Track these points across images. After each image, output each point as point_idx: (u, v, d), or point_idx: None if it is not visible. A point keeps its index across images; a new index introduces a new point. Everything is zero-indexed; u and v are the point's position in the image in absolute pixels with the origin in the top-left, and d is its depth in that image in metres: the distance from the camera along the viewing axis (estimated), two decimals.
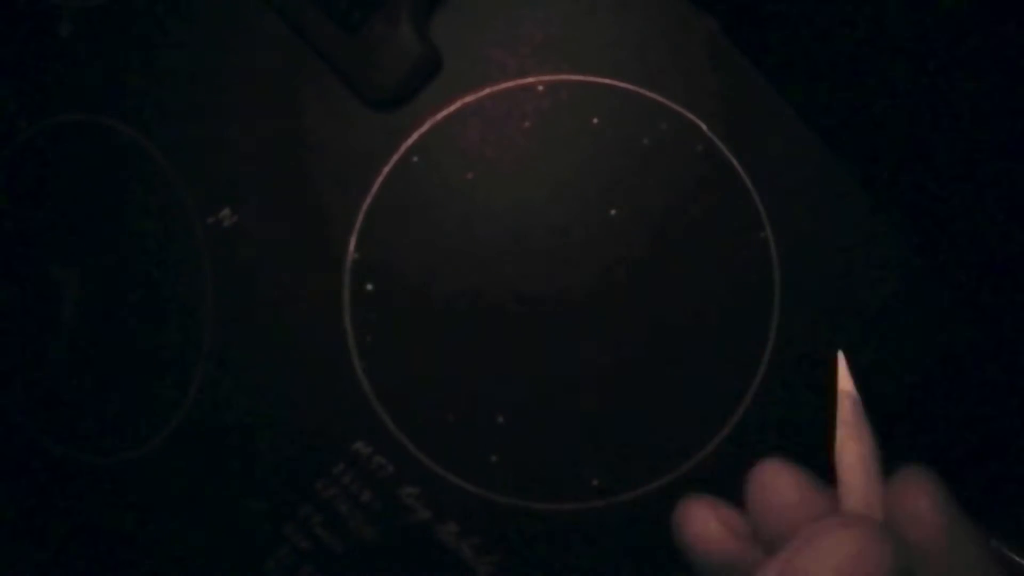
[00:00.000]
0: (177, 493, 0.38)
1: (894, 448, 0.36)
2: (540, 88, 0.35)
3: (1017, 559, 0.33)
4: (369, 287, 0.36)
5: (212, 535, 0.37)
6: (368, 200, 0.36)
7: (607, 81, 0.35)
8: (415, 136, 0.36)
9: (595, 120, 0.35)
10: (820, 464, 0.34)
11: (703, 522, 0.24)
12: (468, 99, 0.36)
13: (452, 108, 0.36)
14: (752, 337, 0.34)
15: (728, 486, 0.35)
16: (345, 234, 0.36)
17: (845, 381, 0.23)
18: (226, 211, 0.37)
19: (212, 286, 0.37)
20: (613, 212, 0.35)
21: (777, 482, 0.23)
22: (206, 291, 0.37)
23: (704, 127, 0.35)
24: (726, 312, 0.34)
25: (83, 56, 0.39)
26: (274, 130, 0.37)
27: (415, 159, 0.36)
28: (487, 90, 0.36)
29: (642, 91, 0.35)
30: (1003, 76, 0.35)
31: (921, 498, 0.20)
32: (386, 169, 0.36)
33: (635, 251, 0.35)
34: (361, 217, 0.36)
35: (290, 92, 0.37)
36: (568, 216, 0.35)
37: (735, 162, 0.35)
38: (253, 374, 0.37)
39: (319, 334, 0.36)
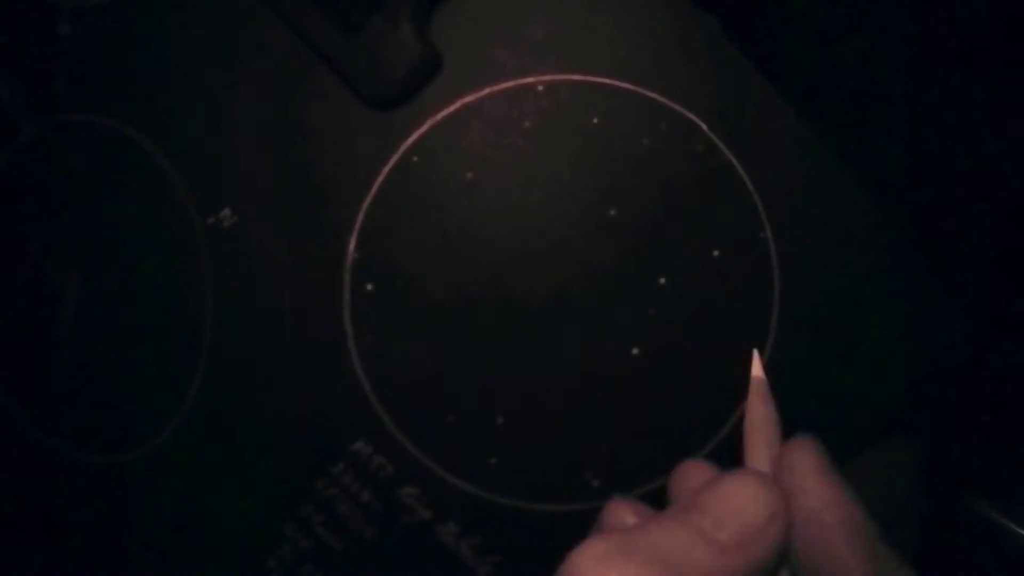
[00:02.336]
0: (177, 493, 0.38)
1: (894, 448, 0.36)
2: (540, 88, 0.35)
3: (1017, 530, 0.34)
4: (369, 287, 0.36)
5: (212, 535, 0.37)
6: (368, 200, 0.36)
7: (607, 81, 0.35)
8: (415, 136, 0.36)
9: (595, 120, 0.35)
10: None
11: (620, 514, 0.27)
12: (468, 99, 0.36)
13: (452, 108, 0.36)
14: (752, 337, 0.34)
15: None
16: (345, 234, 0.36)
17: (757, 368, 0.28)
18: (226, 211, 0.37)
19: (212, 286, 0.37)
20: (613, 212, 0.35)
21: (693, 469, 0.27)
22: (206, 291, 0.37)
23: (704, 127, 0.35)
24: (726, 312, 0.34)
25: (83, 56, 0.39)
26: (274, 130, 0.37)
27: (415, 159, 0.36)
28: (487, 90, 0.36)
29: (642, 91, 0.35)
30: (1003, 76, 0.35)
31: (806, 459, 0.24)
32: (386, 169, 0.36)
33: (635, 251, 0.35)
34: (361, 217, 0.36)
35: (290, 92, 0.37)
36: (568, 216, 0.35)
37: (735, 162, 0.35)
38: (253, 374, 0.37)
39: (319, 334, 0.36)
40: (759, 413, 0.27)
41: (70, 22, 0.39)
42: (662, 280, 0.35)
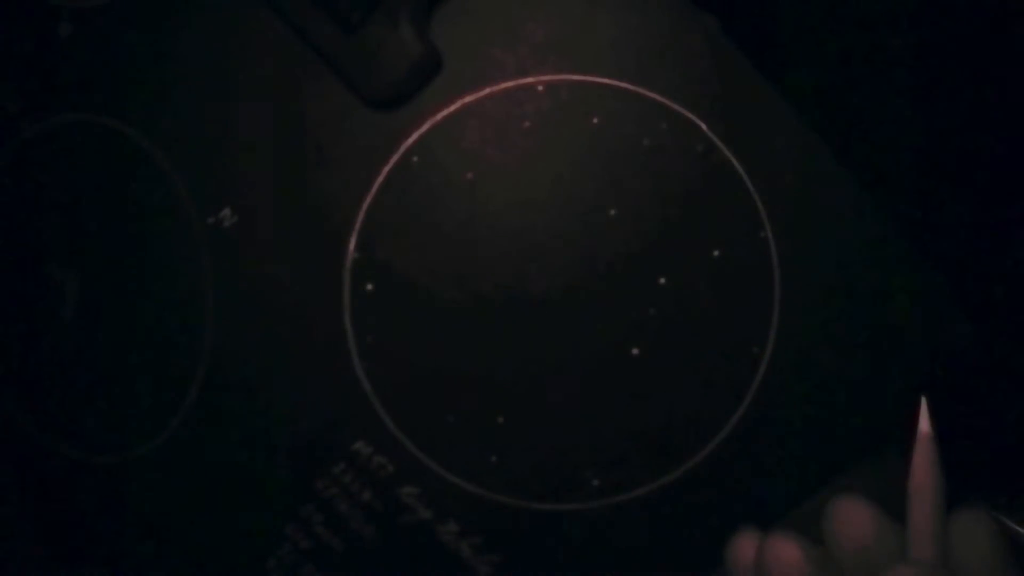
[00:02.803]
0: (177, 493, 0.38)
1: (894, 449, 0.36)
2: (540, 88, 0.35)
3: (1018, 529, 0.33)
4: (369, 287, 0.36)
5: (212, 535, 0.37)
6: (368, 200, 0.36)
7: (607, 81, 0.35)
8: (415, 136, 0.36)
9: (595, 120, 0.35)
10: (820, 462, 0.34)
11: (789, 554, 0.25)
12: (468, 99, 0.36)
13: (452, 108, 0.36)
14: (752, 337, 0.34)
15: (728, 486, 0.35)
16: (345, 234, 0.36)
17: (925, 424, 0.25)
18: (226, 211, 0.37)
19: (212, 286, 0.37)
20: (613, 212, 0.35)
21: (855, 517, 0.25)
22: (206, 291, 0.37)
23: (704, 127, 0.35)
24: (726, 312, 0.34)
25: (83, 56, 0.39)
26: (274, 130, 0.37)
27: (415, 159, 0.36)
28: (487, 90, 0.36)
29: (642, 91, 0.35)
30: (1004, 77, 0.35)
31: (980, 540, 0.22)
32: (386, 169, 0.36)
33: (635, 251, 0.35)
34: (361, 217, 0.36)
35: (290, 92, 0.37)
36: (568, 216, 0.35)
37: (735, 162, 0.35)
38: (253, 374, 0.37)
39: (319, 334, 0.36)
40: (926, 478, 0.24)
41: (70, 22, 0.39)
42: (662, 280, 0.35)
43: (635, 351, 0.35)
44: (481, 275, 0.35)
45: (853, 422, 0.34)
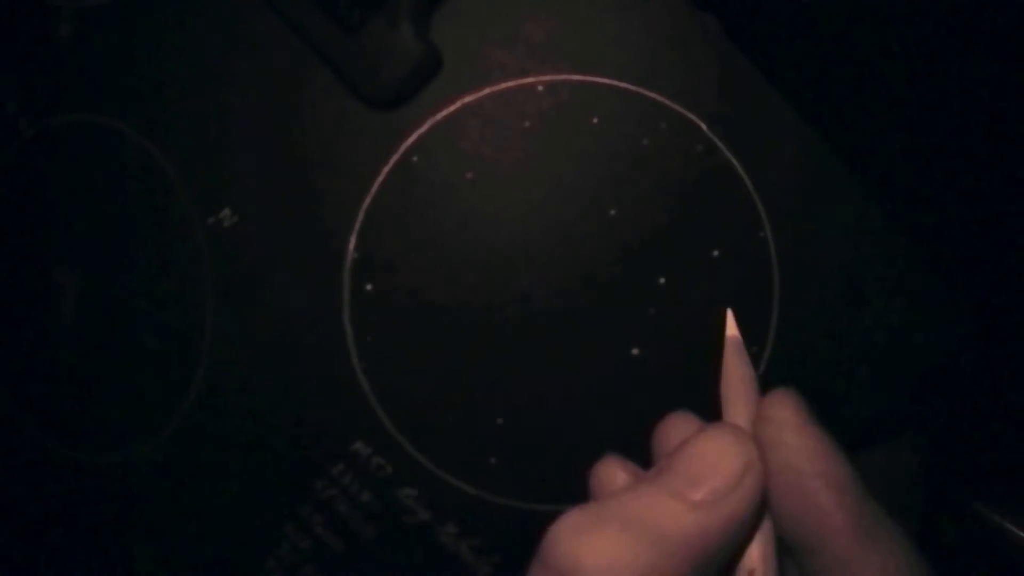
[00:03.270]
0: (177, 492, 0.38)
1: (894, 448, 0.36)
2: (540, 88, 0.35)
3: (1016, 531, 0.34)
4: (369, 287, 0.36)
5: (212, 535, 0.37)
6: (368, 200, 0.36)
7: (607, 81, 0.35)
8: (415, 136, 0.36)
9: (595, 120, 0.35)
10: None
11: (611, 472, 0.27)
12: (468, 99, 0.36)
13: (452, 108, 0.36)
14: (752, 337, 0.34)
15: None
16: (345, 234, 0.36)
17: (732, 327, 0.28)
18: (226, 211, 0.37)
19: (212, 286, 0.37)
20: (613, 212, 0.35)
21: (676, 423, 0.27)
22: (206, 291, 0.37)
23: (704, 127, 0.35)
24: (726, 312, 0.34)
25: (83, 56, 0.39)
26: (274, 130, 0.37)
27: (415, 159, 0.36)
28: (487, 90, 0.36)
29: (642, 91, 0.35)
30: (1004, 77, 0.35)
31: (784, 411, 0.23)
32: (386, 169, 0.36)
33: (635, 251, 0.35)
34: (361, 217, 0.36)
35: (290, 92, 0.37)
36: (568, 216, 0.35)
37: (735, 162, 0.35)
38: (253, 374, 0.37)
39: (319, 334, 0.36)
40: (736, 371, 0.26)
41: (70, 22, 0.39)
42: (662, 280, 0.35)
43: (635, 351, 0.35)
44: (481, 275, 0.35)
45: (853, 421, 0.34)
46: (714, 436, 0.23)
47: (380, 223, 0.36)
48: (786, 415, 0.23)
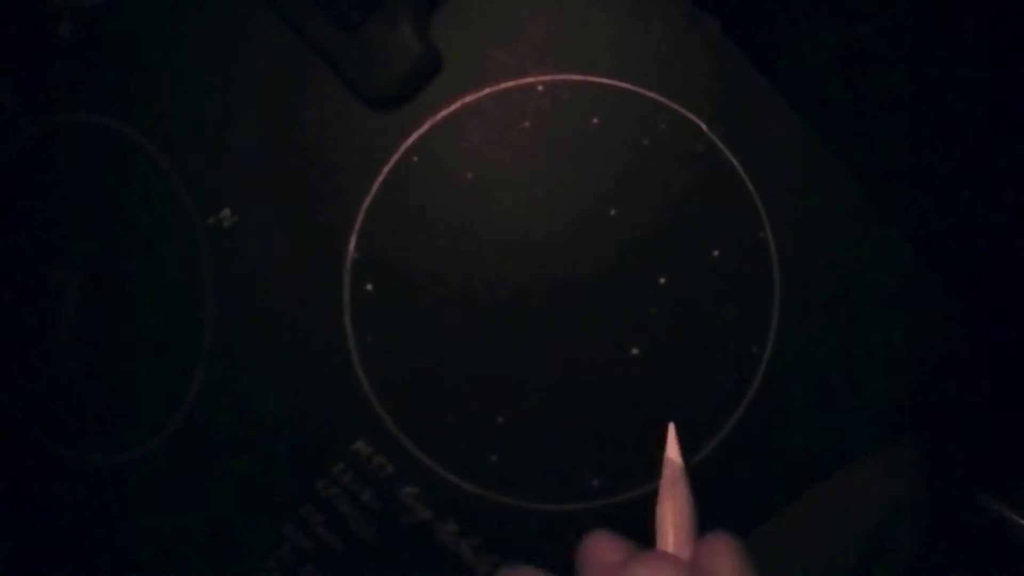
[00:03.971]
0: (177, 493, 0.38)
1: (894, 446, 0.36)
2: (540, 88, 0.35)
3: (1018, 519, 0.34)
4: (369, 287, 0.36)
5: (212, 535, 0.37)
6: (368, 200, 0.36)
7: (607, 81, 0.35)
8: (415, 136, 0.36)
9: (595, 120, 0.35)
10: (819, 461, 0.34)
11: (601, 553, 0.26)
12: (468, 99, 0.36)
13: (452, 108, 0.36)
14: (752, 337, 0.34)
15: (727, 486, 0.35)
16: (345, 234, 0.36)
17: (672, 449, 0.27)
18: (226, 211, 0.37)
19: (212, 286, 0.37)
20: (613, 212, 0.35)
21: (603, 545, 0.26)
22: (206, 291, 0.37)
23: (704, 127, 0.35)
24: (726, 312, 0.34)
25: (83, 56, 0.39)
26: (274, 130, 0.37)
27: (415, 159, 0.36)
28: (487, 90, 0.36)
29: (642, 91, 0.35)
30: (1004, 77, 0.35)
31: (722, 557, 0.24)
32: (386, 169, 0.36)
33: (635, 251, 0.35)
34: (361, 217, 0.36)
35: (290, 92, 0.37)
36: (568, 216, 0.35)
37: (735, 162, 0.35)
38: (253, 374, 0.37)
39: (319, 334, 0.36)
40: (674, 498, 0.27)
41: (70, 22, 0.39)
42: (662, 280, 0.35)
43: (635, 351, 0.35)
44: (481, 275, 0.35)
45: (852, 421, 0.34)
46: (655, 568, 0.24)
47: (380, 223, 0.36)
48: (726, 566, 0.24)
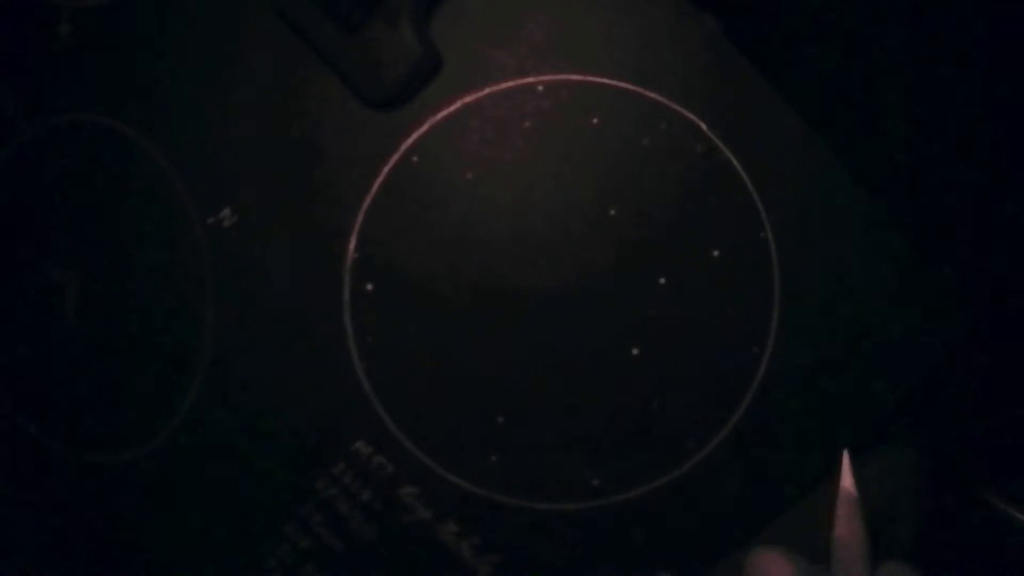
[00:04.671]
0: (177, 493, 0.38)
1: (894, 445, 0.36)
2: (540, 88, 0.35)
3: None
4: (369, 287, 0.36)
5: (212, 535, 0.37)
6: (368, 200, 0.36)
7: (607, 81, 0.35)
8: (415, 136, 0.36)
9: (595, 120, 0.35)
10: (819, 461, 0.34)
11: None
12: (468, 99, 0.36)
13: (452, 108, 0.36)
14: (752, 337, 0.34)
15: (727, 486, 0.35)
16: (345, 234, 0.36)
17: (847, 479, 0.27)
18: (226, 211, 0.37)
19: (212, 286, 0.37)
20: (613, 212, 0.35)
21: (774, 564, 0.26)
22: (206, 291, 0.37)
23: (704, 127, 0.35)
24: (726, 312, 0.34)
25: (83, 56, 0.39)
26: (274, 130, 0.37)
27: (415, 159, 0.36)
28: (487, 90, 0.36)
29: (642, 91, 0.35)
30: (1004, 77, 0.35)
31: None
32: (386, 169, 0.36)
33: (635, 251, 0.35)
34: (361, 217, 0.36)
35: (290, 92, 0.37)
36: (568, 216, 0.35)
37: (735, 162, 0.35)
38: (253, 374, 0.37)
39: (319, 334, 0.36)
40: (850, 526, 0.26)
41: (70, 22, 0.39)
42: (662, 280, 0.35)
43: (635, 351, 0.35)
44: (481, 275, 0.35)
45: (852, 421, 0.34)
46: None
47: (380, 223, 0.36)
48: None
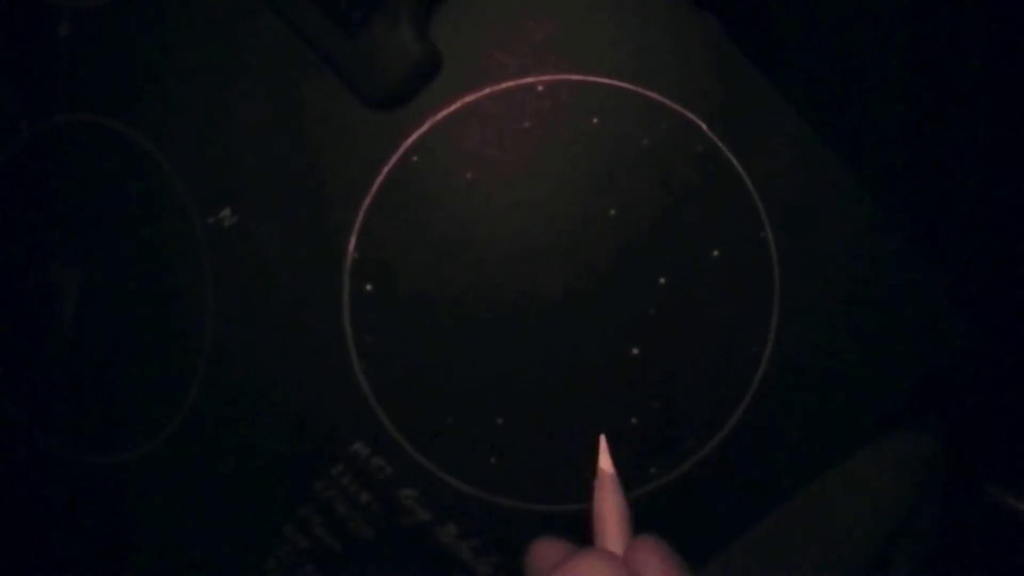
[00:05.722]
0: (177, 493, 0.38)
1: (908, 440, 0.36)
2: (540, 88, 0.35)
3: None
4: (369, 287, 0.36)
5: (212, 535, 0.37)
6: (368, 200, 0.36)
7: (607, 81, 0.35)
8: (415, 136, 0.36)
9: (595, 120, 0.35)
10: (819, 461, 0.34)
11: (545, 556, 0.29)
12: (468, 99, 0.36)
13: (452, 108, 0.36)
14: (752, 337, 0.34)
15: (728, 485, 0.35)
16: (345, 234, 0.36)
17: (604, 459, 0.31)
18: (226, 211, 0.37)
19: (212, 286, 0.37)
20: (613, 212, 0.35)
21: (547, 548, 0.29)
22: (206, 291, 0.37)
23: (704, 127, 0.35)
24: (726, 312, 0.34)
25: (83, 56, 0.39)
26: (274, 130, 0.37)
27: (415, 159, 0.36)
28: (487, 90, 0.36)
29: (642, 91, 0.35)
30: (1003, 77, 0.35)
31: (650, 554, 0.26)
32: (386, 169, 0.36)
33: (635, 251, 0.35)
34: (361, 217, 0.36)
35: (290, 92, 0.37)
36: (568, 216, 0.35)
37: (735, 162, 0.35)
38: (253, 374, 0.37)
39: (319, 335, 0.36)
40: (609, 503, 0.29)
41: (70, 22, 0.39)
42: (662, 280, 0.35)
43: (635, 351, 0.35)
44: (481, 275, 0.35)
45: (852, 421, 0.34)
46: (593, 559, 0.26)
47: (380, 223, 0.36)
48: (655, 560, 0.26)
